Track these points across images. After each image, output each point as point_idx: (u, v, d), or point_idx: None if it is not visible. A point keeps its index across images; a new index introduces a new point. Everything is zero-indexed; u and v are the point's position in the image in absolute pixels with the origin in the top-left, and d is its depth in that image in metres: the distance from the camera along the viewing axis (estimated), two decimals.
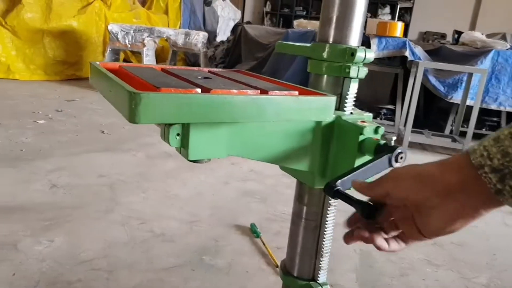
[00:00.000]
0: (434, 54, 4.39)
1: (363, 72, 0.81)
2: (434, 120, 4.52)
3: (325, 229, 0.90)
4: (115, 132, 3.30)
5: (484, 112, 4.27)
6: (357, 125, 0.74)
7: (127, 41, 4.86)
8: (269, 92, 0.66)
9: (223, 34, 7.32)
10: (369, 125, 0.73)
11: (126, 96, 0.53)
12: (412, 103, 3.70)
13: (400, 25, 4.00)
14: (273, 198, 2.34)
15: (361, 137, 0.73)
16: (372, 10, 8.86)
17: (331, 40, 0.82)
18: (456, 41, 4.88)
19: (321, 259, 0.92)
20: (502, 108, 4.10)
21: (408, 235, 0.59)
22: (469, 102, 3.89)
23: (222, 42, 6.32)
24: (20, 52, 5.03)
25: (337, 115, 0.78)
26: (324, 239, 0.90)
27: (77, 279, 1.45)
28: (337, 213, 0.91)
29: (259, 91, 0.67)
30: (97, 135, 3.20)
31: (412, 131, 3.84)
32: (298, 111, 0.67)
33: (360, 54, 0.78)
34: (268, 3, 9.82)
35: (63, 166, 2.48)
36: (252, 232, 1.90)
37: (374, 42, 4.01)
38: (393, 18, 8.33)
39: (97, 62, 0.73)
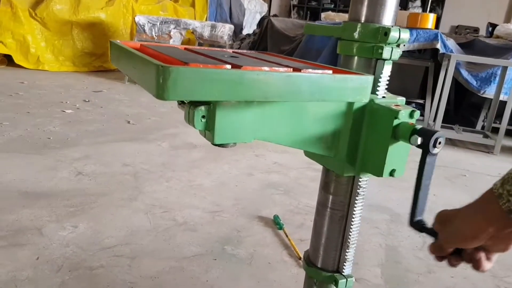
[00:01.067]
0: (467, 47, 4.22)
1: (397, 53, 0.76)
2: (465, 116, 4.36)
3: (352, 220, 0.86)
4: (140, 123, 3.33)
5: None
6: (391, 109, 0.69)
7: (153, 33, 4.89)
8: (302, 70, 0.63)
9: (249, 27, 7.27)
10: (404, 109, 0.69)
11: (154, 70, 0.50)
12: (442, 98, 3.57)
13: (432, 17, 3.86)
14: (296, 191, 2.30)
15: (396, 122, 0.68)
16: (403, 3, 8.62)
17: (363, 19, 0.77)
18: (490, 34, 4.69)
19: (347, 250, 0.89)
20: None
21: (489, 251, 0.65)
22: (502, 97, 3.72)
23: (248, 35, 6.28)
24: (49, 44, 5.15)
25: (369, 98, 0.73)
26: (351, 230, 0.86)
27: (99, 265, 1.46)
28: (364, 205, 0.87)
29: (291, 69, 0.63)
30: (123, 125, 3.23)
31: (442, 126, 3.71)
32: (333, 90, 0.63)
33: (394, 34, 0.74)
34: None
35: (89, 154, 2.51)
36: (275, 223, 1.87)
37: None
38: (424, 11, 8.08)
39: (118, 41, 0.71)
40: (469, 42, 4.29)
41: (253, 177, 2.44)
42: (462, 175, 2.96)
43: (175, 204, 1.98)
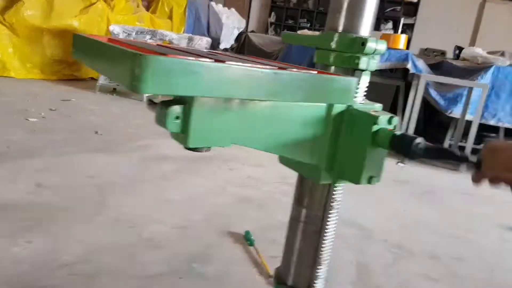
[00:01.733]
0: (436, 68, 4.36)
1: (374, 64, 0.75)
2: (434, 134, 4.47)
3: (326, 235, 0.82)
4: (111, 134, 3.22)
5: (483, 128, 4.23)
6: (370, 114, 0.67)
7: None
8: (287, 69, 0.59)
9: (227, 41, 7.28)
10: (382, 115, 0.67)
11: (129, 60, 0.44)
12: (412, 116, 3.65)
13: (403, 38, 3.97)
14: (270, 206, 2.26)
15: (375, 127, 0.66)
16: (375, 25, 8.84)
17: (340, 29, 0.76)
18: (457, 57, 4.86)
19: (318, 267, 0.85)
20: (500, 124, 4.05)
21: None
22: (468, 117, 3.84)
23: (226, 49, 6.28)
24: (17, 50, 4.96)
25: (348, 104, 0.71)
26: (323, 246, 0.83)
27: (52, 285, 1.36)
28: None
29: (277, 67, 0.59)
30: (91, 135, 3.11)
31: None
32: (319, 90, 0.61)
33: (371, 45, 0.72)
34: (273, 13, 9.84)
35: (52, 165, 2.39)
36: (246, 240, 1.82)
37: None
38: (395, 33, 8.35)
39: (83, 34, 0.66)
40: (438, 64, 4.44)
41: (226, 191, 2.38)
42: (430, 191, 3.00)
43: (142, 219, 1.89)
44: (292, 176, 0.87)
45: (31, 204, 1.88)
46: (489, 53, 4.85)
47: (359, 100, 0.74)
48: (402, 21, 7.88)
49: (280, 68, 0.58)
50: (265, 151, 0.65)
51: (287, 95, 0.57)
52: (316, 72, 0.62)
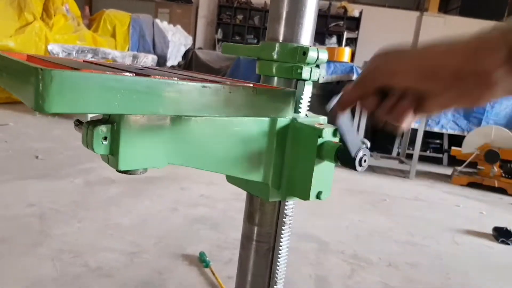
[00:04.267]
0: None
1: (316, 74, 0.73)
2: (382, 143, 4.63)
3: (279, 252, 0.79)
4: (51, 158, 3.03)
5: (428, 135, 4.44)
6: (315, 127, 0.65)
7: None
8: (220, 82, 0.56)
9: (174, 59, 7.19)
10: (327, 127, 0.65)
11: (32, 75, 0.39)
12: (360, 126, 3.75)
13: (347, 51, 4.10)
14: (224, 224, 2.20)
15: (320, 140, 0.64)
16: (320, 39, 9.18)
17: (281, 38, 0.74)
18: None
19: (274, 286, 0.81)
20: (444, 131, 4.28)
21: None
22: (413, 125, 4.02)
23: (173, 66, 6.19)
24: None
25: (292, 117, 0.69)
26: (278, 264, 0.79)
27: None
28: (291, 235, 0.80)
29: (208, 81, 0.55)
30: (30, 161, 2.91)
31: None
32: (254, 104, 0.57)
33: (312, 54, 0.71)
34: (220, 30, 9.90)
35: None
36: (201, 261, 1.74)
37: (323, 67, 4.07)
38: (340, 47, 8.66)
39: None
40: None
41: (178, 212, 2.29)
42: (383, 200, 3.08)
43: (88, 247, 1.76)
44: (246, 192, 0.83)
45: None
46: None
47: (303, 112, 0.72)
48: (345, 35, 8.21)
49: (212, 81, 0.55)
50: (206, 170, 0.61)
51: (219, 110, 0.53)
52: (252, 85, 0.59)
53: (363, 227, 2.44)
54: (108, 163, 0.55)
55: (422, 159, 4.45)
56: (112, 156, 0.52)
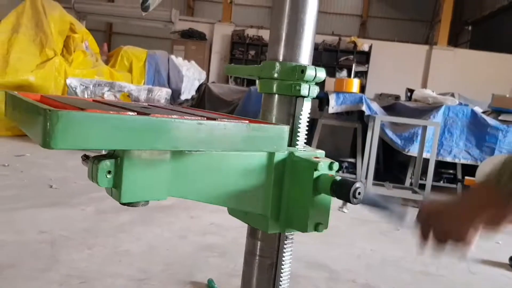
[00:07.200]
0: (390, 110, 4.56)
1: (315, 91, 0.77)
2: (395, 173, 4.59)
3: (282, 267, 0.79)
4: (65, 187, 3.08)
5: (441, 165, 4.39)
6: (311, 161, 0.68)
7: (86, 95, 4.75)
8: (217, 119, 0.59)
9: (188, 93, 7.36)
10: (323, 161, 0.67)
11: (41, 115, 0.43)
12: (371, 156, 3.74)
13: (356, 82, 4.17)
14: (233, 252, 2.18)
15: (316, 174, 0.66)
16: (330, 73, 9.33)
17: (281, 58, 0.78)
18: (409, 98, 5.13)
19: None
20: (456, 160, 4.23)
21: None
22: (425, 155, 3.99)
23: (187, 100, 6.34)
24: None
25: (289, 151, 0.71)
26: (281, 278, 0.79)
27: None
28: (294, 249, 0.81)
29: (205, 118, 0.59)
30: (44, 189, 2.97)
31: (374, 184, 3.85)
32: (249, 139, 0.60)
33: (310, 72, 0.74)
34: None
35: (0, 222, 2.23)
36: None
37: (332, 97, 4.12)
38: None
39: (15, 92, 0.64)
40: (391, 105, 4.66)
41: (187, 240, 2.29)
42: (395, 229, 3.02)
43: (96, 273, 1.77)
44: None
45: None
46: (439, 94, 5.18)
47: (301, 145, 0.75)
48: (354, 67, 8.33)
49: (209, 118, 0.58)
50: (206, 203, 0.64)
51: (215, 145, 0.56)
52: (247, 121, 0.62)
53: (375, 256, 2.40)
54: (111, 196, 0.58)
55: (436, 189, 4.38)
56: (115, 189, 0.55)
